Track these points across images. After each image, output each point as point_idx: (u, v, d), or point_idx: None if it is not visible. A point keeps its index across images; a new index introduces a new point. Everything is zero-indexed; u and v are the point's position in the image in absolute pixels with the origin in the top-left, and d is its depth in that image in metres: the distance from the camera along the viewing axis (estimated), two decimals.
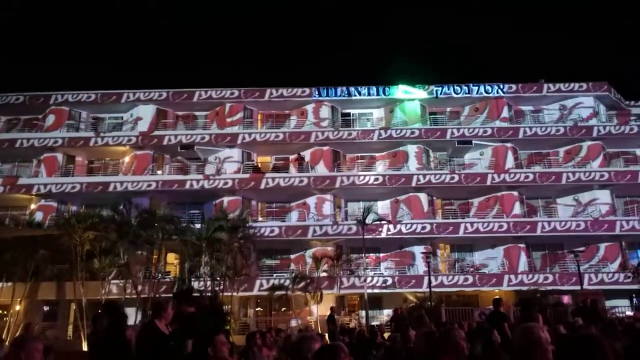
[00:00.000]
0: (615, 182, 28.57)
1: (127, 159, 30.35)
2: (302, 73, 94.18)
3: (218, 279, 23.95)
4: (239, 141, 29.77)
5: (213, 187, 28.30)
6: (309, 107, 31.10)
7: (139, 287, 23.90)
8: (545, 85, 31.37)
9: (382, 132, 29.90)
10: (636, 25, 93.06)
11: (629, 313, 21.24)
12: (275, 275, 27.30)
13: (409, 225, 27.68)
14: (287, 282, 25.23)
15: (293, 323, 25.16)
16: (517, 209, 28.70)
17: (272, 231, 27.57)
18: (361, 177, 28.68)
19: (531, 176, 28.77)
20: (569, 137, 29.88)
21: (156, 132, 30.06)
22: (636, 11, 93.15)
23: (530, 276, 26.81)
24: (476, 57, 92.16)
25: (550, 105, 31.75)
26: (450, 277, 27.06)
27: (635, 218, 28.13)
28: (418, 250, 27.53)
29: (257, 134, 30.14)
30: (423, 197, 28.92)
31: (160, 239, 24.15)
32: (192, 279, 24.63)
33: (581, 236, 27.46)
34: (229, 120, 30.62)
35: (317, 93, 30.90)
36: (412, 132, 29.79)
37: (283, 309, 27.12)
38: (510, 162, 29.55)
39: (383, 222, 26.81)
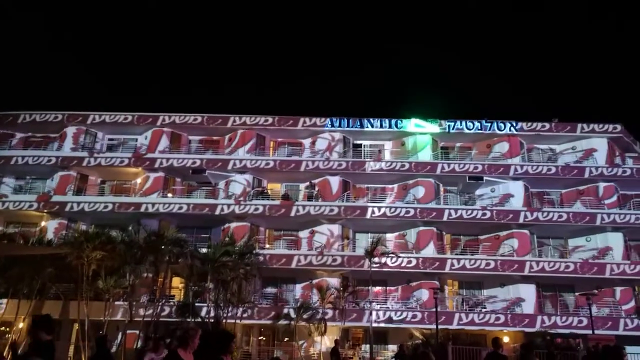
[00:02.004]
0: (626, 225, 28.20)
1: (139, 180, 30.66)
2: (314, 103, 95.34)
3: (222, 305, 23.73)
4: (254, 167, 30.01)
5: (217, 212, 28.36)
6: (321, 137, 31.35)
7: (142, 310, 23.73)
8: (553, 125, 31.35)
9: (399, 164, 29.94)
10: None
11: None
12: (279, 304, 27.03)
13: (416, 259, 27.39)
14: (292, 311, 24.91)
15: (296, 354, 24.74)
16: (528, 248, 28.33)
17: (278, 259, 27.43)
18: (364, 208, 28.60)
19: (544, 215, 28.45)
20: (581, 178, 29.71)
21: (167, 155, 30.39)
22: None
23: (539, 318, 26.24)
24: (487, 96, 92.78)
25: (563, 144, 31.71)
26: (458, 315, 26.58)
27: None
28: (425, 285, 27.14)
29: (268, 161, 30.39)
30: (431, 231, 28.71)
31: (166, 262, 24.10)
32: (196, 304, 24.45)
33: (593, 279, 26.99)
34: (241, 146, 30.94)
35: (329, 123, 31.19)
36: (424, 166, 29.83)
37: (286, 339, 26.70)
38: (519, 200, 29.38)
39: (391, 254, 26.57)
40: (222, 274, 23.79)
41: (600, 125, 31.16)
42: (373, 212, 28.39)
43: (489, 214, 28.36)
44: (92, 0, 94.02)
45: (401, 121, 31.42)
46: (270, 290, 28.61)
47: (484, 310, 27.32)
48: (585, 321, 24.96)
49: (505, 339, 25.87)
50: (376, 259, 25.38)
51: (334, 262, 27.24)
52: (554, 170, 29.83)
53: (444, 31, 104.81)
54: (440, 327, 23.72)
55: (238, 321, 24.49)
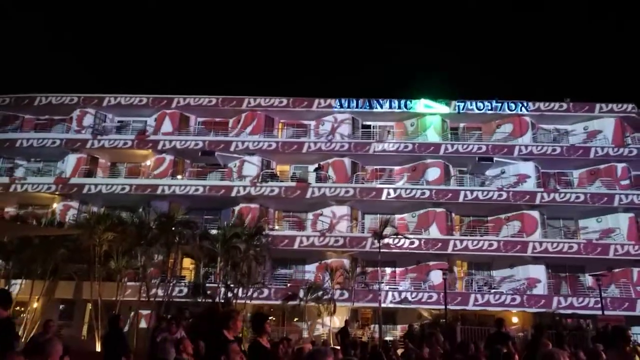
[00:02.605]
0: (638, 205, 27.90)
1: (149, 162, 30.81)
2: (324, 84, 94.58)
3: (232, 285, 23.99)
4: (259, 148, 30.00)
5: (232, 194, 28.56)
6: (330, 118, 31.17)
7: (154, 291, 24.06)
8: (570, 105, 30.90)
9: (402, 145, 29.80)
10: None
11: None
12: (289, 284, 27.27)
13: (426, 241, 27.41)
14: (301, 292, 25.13)
15: (305, 334, 25.01)
16: (539, 229, 28.17)
17: (288, 240, 27.59)
18: (379, 190, 28.56)
19: (561, 196, 28.21)
20: (592, 159, 29.35)
21: (176, 137, 30.45)
22: None
23: (549, 299, 26.24)
24: (499, 75, 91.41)
25: (575, 124, 31.25)
26: (467, 296, 26.65)
27: None
28: (435, 266, 27.19)
29: (277, 142, 30.32)
30: (441, 212, 28.63)
31: (177, 243, 24.33)
32: (207, 284, 24.74)
33: (603, 259, 26.86)
34: (250, 127, 30.88)
35: (338, 104, 30.98)
36: (433, 147, 29.61)
37: (296, 320, 26.99)
38: (532, 181, 29.15)
39: (400, 236, 26.59)
40: (232, 255, 23.98)
41: (612, 105, 30.57)
42: (388, 193, 28.34)
43: (505, 194, 28.21)
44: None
45: (410, 101, 31.10)
46: (280, 271, 28.85)
47: (493, 291, 27.35)
48: (596, 302, 24.92)
49: (515, 320, 25.98)
50: (385, 240, 25.41)
51: (343, 243, 27.33)
52: (564, 150, 29.47)
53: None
54: (451, 307, 23.82)
55: (248, 301, 24.77)
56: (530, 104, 30.78)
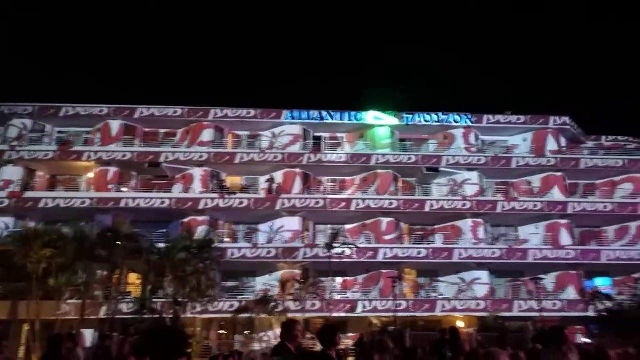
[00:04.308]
0: (574, 213, 29.58)
1: (91, 174, 29.64)
2: (274, 96, 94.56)
3: (181, 300, 23.37)
4: (208, 160, 29.56)
5: (180, 207, 27.95)
6: (281, 129, 31.21)
7: (97, 308, 23.07)
8: (511, 117, 32.45)
9: (352, 156, 30.26)
10: (597, 67, 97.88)
11: (585, 340, 21.76)
12: (240, 297, 26.90)
13: (375, 250, 27.85)
14: (252, 304, 24.82)
15: (256, 346, 24.69)
16: (482, 235, 29.27)
17: (238, 253, 27.26)
18: (330, 201, 28.81)
19: (496, 205, 29.51)
20: (530, 168, 30.91)
21: (120, 149, 29.48)
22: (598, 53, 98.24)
23: (491, 303, 27.25)
24: (445, 88, 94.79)
25: (515, 136, 32.81)
26: (415, 303, 27.24)
27: (591, 248, 29.19)
28: (384, 274, 27.64)
29: (227, 153, 30.01)
30: (390, 222, 29.21)
31: (122, 258, 23.48)
32: (154, 300, 23.96)
33: (542, 264, 28.24)
34: (199, 139, 30.39)
35: (289, 116, 31.10)
36: (383, 158, 30.25)
37: (247, 332, 26.60)
38: (474, 189, 30.30)
39: (350, 246, 26.89)
40: (180, 269, 23.40)
41: (550, 117, 32.42)
42: (339, 204, 28.62)
43: (449, 204, 29.24)
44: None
45: (360, 113, 31.71)
46: (230, 283, 28.40)
47: (440, 297, 28.10)
48: (535, 305, 26.14)
49: (461, 324, 26.78)
50: (336, 251, 25.61)
51: (294, 255, 27.31)
52: (507, 161, 30.89)
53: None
54: (401, 315, 24.25)
55: (198, 316, 24.20)
56: (474, 116, 32.11)
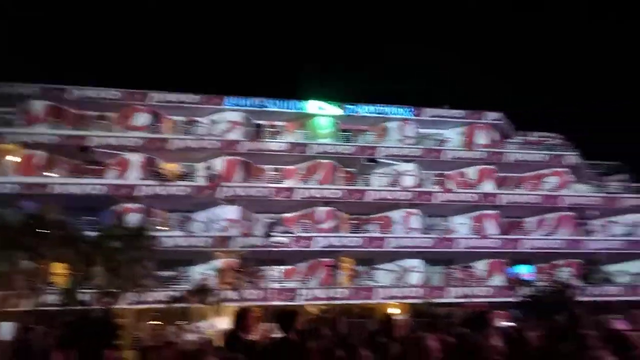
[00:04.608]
0: (503, 204, 31.13)
1: (16, 158, 27.71)
2: (214, 83, 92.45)
3: (112, 291, 22.45)
4: (142, 145, 28.48)
5: (113, 193, 26.80)
6: (220, 116, 30.58)
7: (21, 300, 21.71)
8: (449, 111, 33.49)
9: (294, 145, 30.19)
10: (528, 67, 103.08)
11: (508, 323, 23.06)
12: (174, 287, 26.27)
13: (314, 239, 28.07)
14: (187, 294, 24.32)
15: (190, 336, 24.21)
16: (416, 225, 30.13)
17: (173, 241, 26.57)
18: (272, 190, 28.65)
19: (430, 196, 30.54)
20: (463, 160, 32.15)
21: (47, 131, 27.78)
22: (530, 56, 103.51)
23: (424, 289, 28.24)
24: (390, 81, 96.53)
25: (452, 129, 33.93)
26: (353, 291, 27.75)
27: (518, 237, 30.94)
28: (322, 263, 27.96)
29: (163, 139, 29.05)
30: (329, 211, 29.48)
31: (48, 247, 22.17)
32: (83, 291, 22.87)
33: (472, 253, 29.63)
34: (133, 123, 29.19)
35: (230, 102, 30.54)
36: (323, 147, 30.41)
37: (181, 322, 26.02)
38: (412, 181, 31.14)
39: (289, 234, 26.93)
40: (112, 259, 22.45)
41: (484, 113, 33.77)
42: (282, 193, 28.49)
43: (386, 194, 29.93)
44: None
45: (303, 102, 31.70)
46: (165, 273, 27.63)
47: (376, 285, 28.81)
48: (465, 292, 27.48)
49: (396, 311, 27.67)
50: (274, 239, 25.58)
51: (232, 243, 26.99)
52: (440, 153, 31.91)
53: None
54: (337, 302, 24.64)
55: (130, 306, 23.39)
56: (415, 109, 32.93)
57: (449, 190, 31.23)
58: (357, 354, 4.34)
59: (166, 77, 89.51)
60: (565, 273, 28.74)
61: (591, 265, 30.57)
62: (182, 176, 29.29)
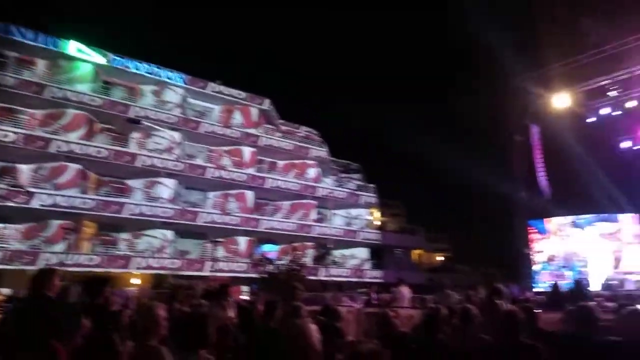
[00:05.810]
0: (256, 185, 32.90)
1: None
2: None
3: None
4: None
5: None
6: None
7: None
8: (213, 86, 33.13)
9: (44, 87, 26.14)
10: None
11: (246, 297, 24.70)
12: None
13: (51, 197, 24.88)
14: None
15: None
16: (166, 195, 29.22)
17: None
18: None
19: (188, 166, 30.25)
20: (231, 139, 32.79)
21: None
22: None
23: (167, 261, 27.95)
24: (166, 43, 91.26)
25: (218, 105, 33.90)
26: (88, 257, 25.56)
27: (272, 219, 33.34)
28: (58, 225, 24.93)
29: None
30: (76, 168, 26.47)
31: None
32: None
33: (221, 229, 30.63)
34: None
35: None
36: (80, 96, 27.15)
37: None
38: (176, 150, 30.29)
39: (19, 189, 23.21)
40: None
41: (251, 95, 34.63)
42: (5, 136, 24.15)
43: (149, 160, 28.61)
44: None
45: (61, 41, 27.66)
46: None
47: (122, 253, 27.21)
48: (214, 265, 28.44)
49: (137, 281, 26.76)
50: None
51: None
52: (196, 125, 31.51)
53: None
54: (71, 270, 22.33)
55: None
56: (186, 77, 31.96)
57: (204, 166, 31.27)
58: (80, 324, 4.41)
59: None
60: (302, 255, 32.09)
61: (322, 249, 34.96)
62: None
